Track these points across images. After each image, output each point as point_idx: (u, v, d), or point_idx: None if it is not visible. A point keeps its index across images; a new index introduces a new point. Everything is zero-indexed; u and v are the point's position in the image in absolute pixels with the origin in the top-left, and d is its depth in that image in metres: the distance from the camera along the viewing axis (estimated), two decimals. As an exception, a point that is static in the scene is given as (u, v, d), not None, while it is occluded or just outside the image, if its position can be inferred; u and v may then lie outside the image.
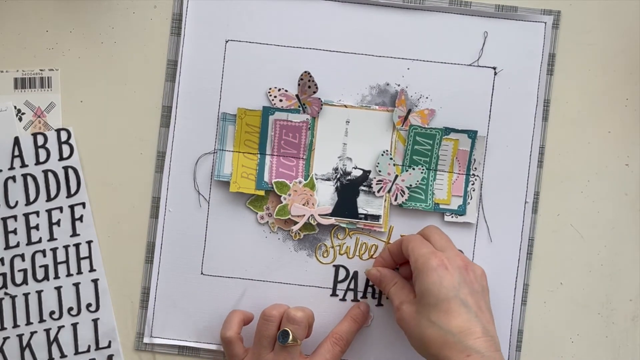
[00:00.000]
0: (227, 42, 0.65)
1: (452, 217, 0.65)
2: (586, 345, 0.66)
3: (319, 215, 0.65)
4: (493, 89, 0.66)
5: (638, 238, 0.66)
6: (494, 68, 0.65)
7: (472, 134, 0.65)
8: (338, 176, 0.66)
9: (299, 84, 0.65)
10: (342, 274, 0.66)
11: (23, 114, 0.66)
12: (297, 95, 0.65)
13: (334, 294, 0.66)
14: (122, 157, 0.66)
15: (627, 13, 0.66)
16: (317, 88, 0.65)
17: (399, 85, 0.66)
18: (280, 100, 0.65)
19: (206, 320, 0.66)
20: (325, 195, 0.66)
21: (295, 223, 0.65)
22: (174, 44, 0.66)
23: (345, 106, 0.65)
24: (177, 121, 0.66)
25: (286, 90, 0.65)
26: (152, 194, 0.66)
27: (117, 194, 0.66)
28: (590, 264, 0.66)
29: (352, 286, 0.66)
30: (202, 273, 0.66)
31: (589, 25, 0.66)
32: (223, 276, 0.66)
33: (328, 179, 0.66)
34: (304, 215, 0.65)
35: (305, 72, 0.65)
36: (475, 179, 0.66)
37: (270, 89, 0.65)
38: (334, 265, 0.66)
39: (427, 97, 0.66)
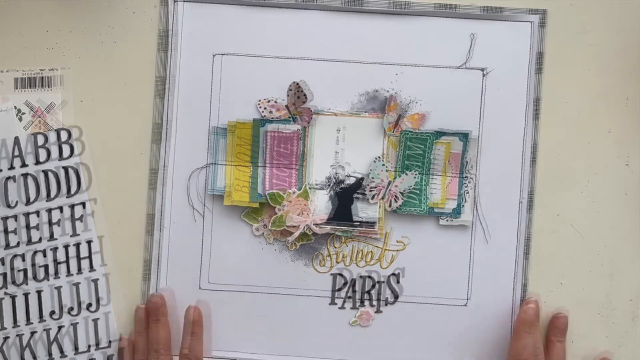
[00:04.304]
0: (214, 55, 0.66)
1: (448, 220, 0.65)
2: (586, 346, 0.65)
3: (314, 224, 0.65)
4: (483, 90, 0.65)
5: (638, 238, 0.65)
6: (483, 69, 0.65)
7: (463, 137, 0.64)
8: (332, 184, 0.66)
9: (287, 95, 0.65)
10: (340, 282, 0.66)
11: (23, 113, 0.66)
12: (286, 106, 0.65)
13: (332, 303, 0.66)
14: (122, 157, 0.66)
15: (626, 13, 0.66)
16: (306, 98, 0.65)
17: (388, 91, 0.65)
18: (270, 112, 0.65)
19: (204, 333, 0.66)
20: (320, 204, 0.66)
21: (292, 233, 0.65)
22: (162, 61, 0.66)
23: (336, 114, 0.65)
24: (175, 135, 0.66)
25: (275, 101, 0.65)
26: (147, 210, 0.66)
27: (117, 194, 0.66)
28: (590, 264, 0.66)
29: (350, 294, 0.66)
30: (200, 288, 0.66)
31: (589, 25, 0.65)
32: (221, 290, 0.66)
33: (322, 188, 0.66)
34: (300, 225, 0.65)
35: (294, 82, 0.65)
36: (469, 181, 0.65)
37: (259, 100, 0.65)
38: (331, 274, 0.66)
39: (417, 102, 0.65)
